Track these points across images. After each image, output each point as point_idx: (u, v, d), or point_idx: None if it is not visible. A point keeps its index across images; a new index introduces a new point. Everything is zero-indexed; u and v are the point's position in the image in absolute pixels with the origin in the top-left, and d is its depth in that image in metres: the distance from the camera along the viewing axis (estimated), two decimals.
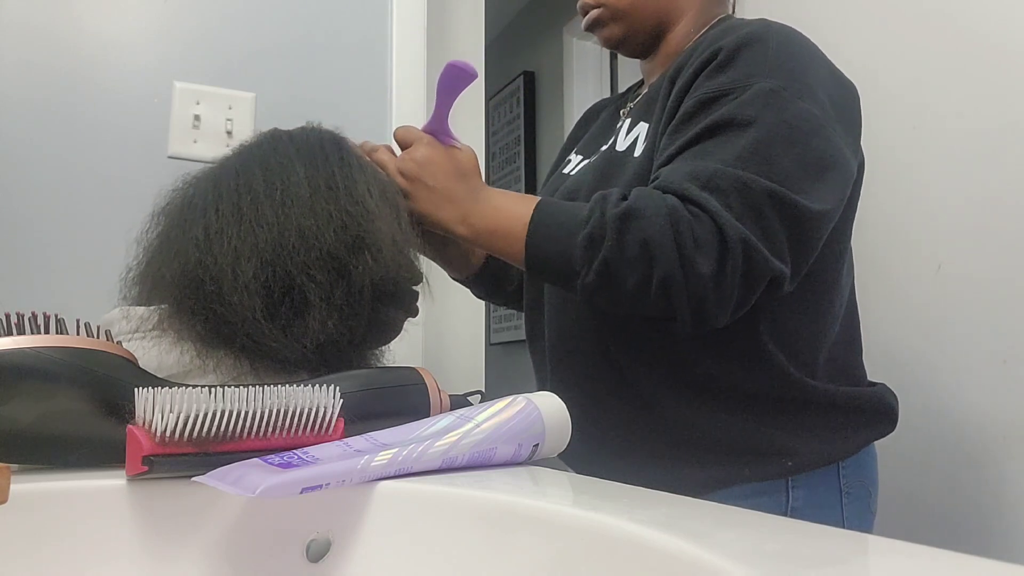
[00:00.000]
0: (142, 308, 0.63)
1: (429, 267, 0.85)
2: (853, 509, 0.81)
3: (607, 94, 2.86)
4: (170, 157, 1.21)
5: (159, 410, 0.41)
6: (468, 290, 1.10)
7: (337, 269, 0.63)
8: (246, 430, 0.44)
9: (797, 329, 0.81)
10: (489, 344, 2.82)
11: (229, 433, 0.44)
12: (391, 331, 0.71)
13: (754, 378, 0.79)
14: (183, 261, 0.61)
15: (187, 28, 1.25)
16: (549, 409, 0.53)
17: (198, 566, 0.41)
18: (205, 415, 0.43)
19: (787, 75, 0.75)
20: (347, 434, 0.48)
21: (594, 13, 0.92)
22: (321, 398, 0.47)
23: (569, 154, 1.03)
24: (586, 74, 2.91)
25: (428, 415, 0.58)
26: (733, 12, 0.98)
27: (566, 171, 0.98)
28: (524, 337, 1.02)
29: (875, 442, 0.86)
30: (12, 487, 0.34)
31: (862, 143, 0.84)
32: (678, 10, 0.91)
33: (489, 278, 1.04)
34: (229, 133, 1.23)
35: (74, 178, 1.15)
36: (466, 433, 0.48)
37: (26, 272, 1.11)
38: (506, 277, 1.05)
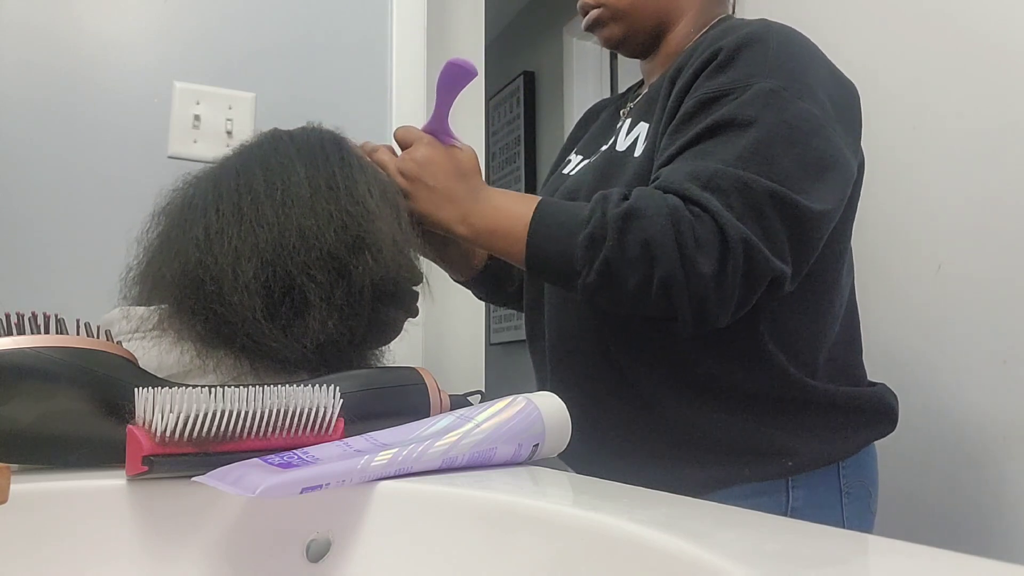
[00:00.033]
0: (142, 308, 0.63)
1: (429, 267, 0.85)
2: (853, 509, 0.81)
3: (607, 94, 2.86)
4: (170, 157, 1.21)
5: (159, 410, 0.41)
6: (469, 290, 1.10)
7: (337, 269, 0.63)
8: (246, 430, 0.44)
9: (797, 329, 0.81)
10: (489, 344, 2.82)
11: (229, 433, 0.44)
12: (391, 331, 0.71)
13: (754, 378, 0.79)
14: (183, 261, 0.61)
15: (187, 28, 1.25)
16: (549, 409, 0.53)
17: (198, 566, 0.41)
18: (205, 415, 0.43)
19: (787, 75, 0.75)
20: (347, 434, 0.48)
21: (594, 13, 0.92)
22: (321, 398, 0.47)
23: (569, 154, 1.03)
24: (586, 74, 2.91)
25: (428, 415, 0.58)
26: (733, 12, 0.98)
27: (566, 171, 0.98)
28: (524, 337, 1.02)
29: (875, 442, 0.86)
30: (12, 487, 0.34)
31: (862, 143, 0.84)
32: (678, 10, 0.91)
33: (490, 279, 1.04)
34: (229, 133, 1.23)
35: (74, 178, 1.15)
36: (466, 433, 0.48)
37: (26, 272, 1.11)
38: (507, 278, 1.05)
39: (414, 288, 0.72)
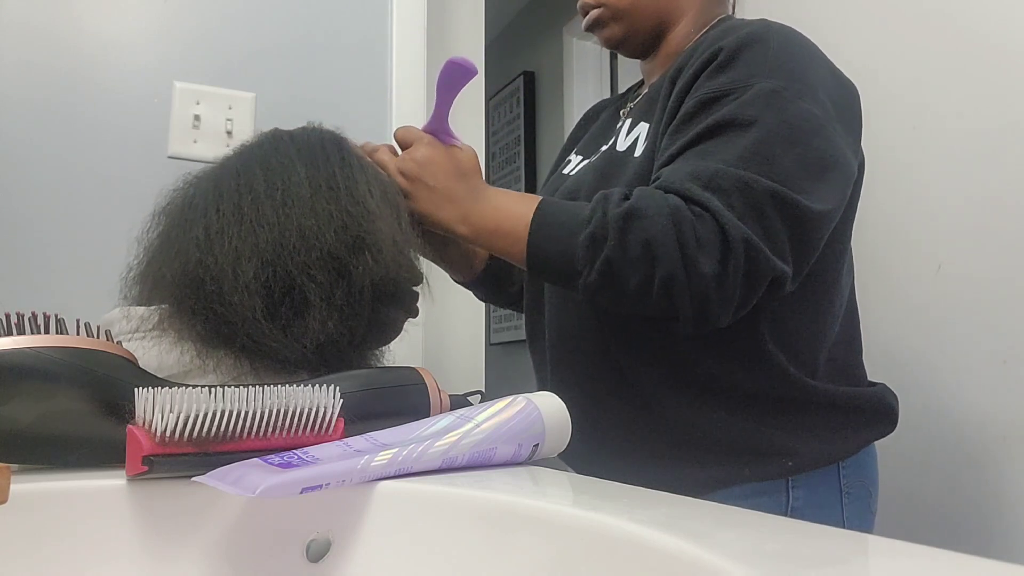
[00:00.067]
0: (142, 308, 0.63)
1: (430, 267, 0.85)
2: (853, 509, 0.81)
3: (607, 94, 2.86)
4: (170, 157, 1.21)
5: (159, 410, 0.41)
6: (469, 291, 1.10)
7: (337, 269, 0.63)
8: (246, 430, 0.44)
9: (797, 329, 0.81)
10: (489, 344, 2.82)
11: (229, 433, 0.44)
12: (391, 331, 0.71)
13: (754, 378, 0.79)
14: (184, 261, 0.61)
15: (187, 28, 1.25)
16: (549, 409, 0.53)
17: (198, 566, 0.41)
18: (205, 415, 0.43)
19: (788, 75, 0.75)
20: (347, 434, 0.48)
21: (594, 13, 0.92)
22: (321, 398, 0.47)
23: (569, 154, 1.03)
24: (586, 74, 2.91)
25: (428, 415, 0.58)
26: (733, 12, 0.98)
27: (566, 171, 0.98)
28: (524, 337, 1.02)
29: (875, 442, 0.86)
30: (12, 487, 0.34)
31: (862, 143, 0.84)
32: (678, 10, 0.91)
33: (491, 280, 1.04)
34: (229, 133, 1.23)
35: (74, 178, 1.15)
36: (466, 433, 0.48)
37: (26, 272, 1.11)
38: (508, 279, 1.05)
39: (414, 288, 0.72)
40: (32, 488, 0.40)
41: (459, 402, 0.65)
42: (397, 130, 0.81)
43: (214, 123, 1.23)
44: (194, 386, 0.45)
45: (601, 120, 1.05)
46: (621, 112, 0.99)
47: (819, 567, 0.27)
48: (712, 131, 0.73)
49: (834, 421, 0.81)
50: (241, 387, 0.45)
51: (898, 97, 1.25)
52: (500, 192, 0.79)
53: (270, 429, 0.45)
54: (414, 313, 0.74)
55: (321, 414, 0.47)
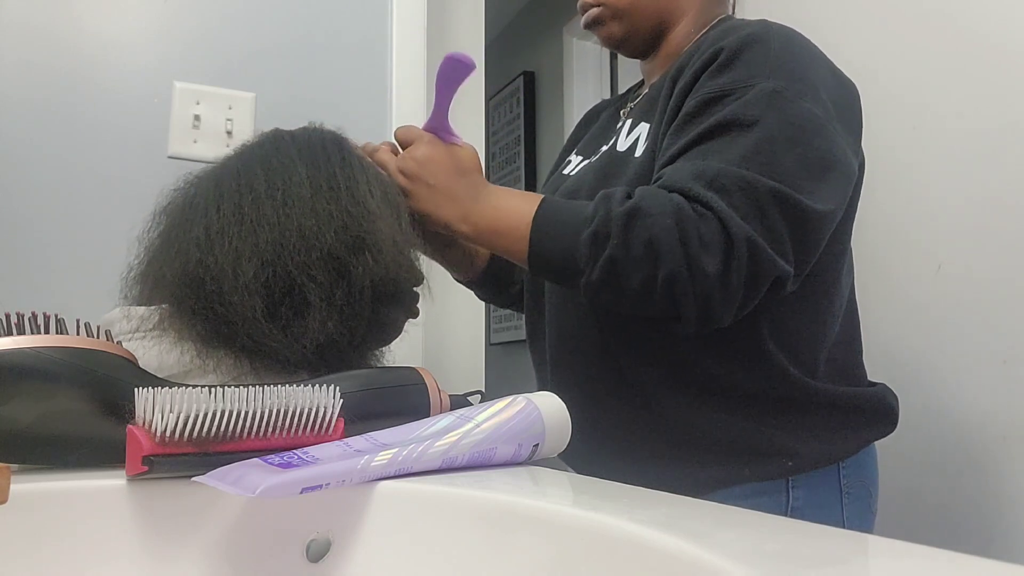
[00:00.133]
0: (143, 308, 0.63)
1: (429, 267, 0.85)
2: (853, 509, 0.81)
3: (607, 94, 2.86)
4: (170, 157, 1.21)
5: (159, 410, 0.41)
6: (469, 290, 1.10)
7: (337, 269, 0.63)
8: (246, 430, 0.44)
9: (798, 329, 0.81)
10: (489, 344, 2.82)
11: (229, 433, 0.44)
12: (391, 332, 0.71)
13: (754, 378, 0.79)
14: (184, 261, 0.61)
15: (187, 28, 1.25)
16: (549, 409, 0.53)
17: (198, 566, 0.41)
18: (205, 415, 0.43)
19: (789, 75, 0.75)
20: (347, 434, 0.48)
21: (594, 12, 0.92)
22: (321, 398, 0.47)
23: (569, 155, 1.03)
24: (586, 74, 2.91)
25: (428, 415, 0.58)
26: (733, 12, 0.98)
27: (566, 172, 0.98)
28: (524, 337, 1.02)
29: (875, 442, 0.86)
30: (12, 487, 0.34)
31: (862, 143, 0.84)
32: (679, 10, 0.91)
33: (491, 279, 1.04)
34: (229, 133, 1.23)
35: (74, 178, 1.15)
36: (466, 433, 0.48)
37: (26, 272, 1.11)
38: (509, 278, 1.05)
39: (414, 289, 0.72)
40: (32, 488, 0.40)
41: (459, 402, 0.65)
42: (397, 129, 0.81)
43: (214, 123, 1.23)
44: (194, 386, 0.45)
45: (601, 120, 1.05)
46: (621, 112, 0.99)
47: (819, 567, 0.27)
48: (714, 131, 0.73)
49: (834, 421, 0.81)
50: (241, 387, 0.45)
51: (898, 97, 1.25)
52: (501, 190, 0.79)
53: (270, 429, 0.45)
54: (414, 313, 0.74)
55: (321, 414, 0.47)
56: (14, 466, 0.40)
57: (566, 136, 1.14)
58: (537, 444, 0.52)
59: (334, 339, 0.63)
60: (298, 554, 0.43)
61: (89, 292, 0.87)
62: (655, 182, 0.74)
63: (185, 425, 0.42)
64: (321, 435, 0.47)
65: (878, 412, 0.84)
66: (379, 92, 1.37)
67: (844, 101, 0.80)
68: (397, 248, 0.67)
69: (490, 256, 1.02)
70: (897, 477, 1.10)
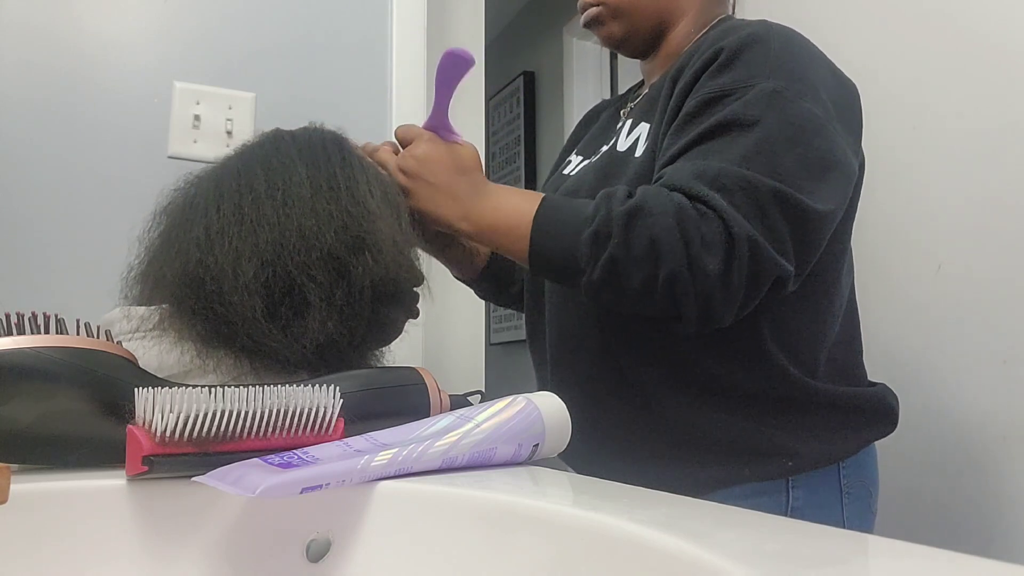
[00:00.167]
0: (143, 308, 0.63)
1: (429, 266, 0.85)
2: (854, 509, 0.81)
3: (607, 94, 2.86)
4: (170, 157, 1.21)
5: (159, 410, 0.41)
6: (469, 290, 1.10)
7: (337, 269, 0.63)
8: (246, 430, 0.44)
9: (798, 329, 0.81)
10: (489, 344, 2.82)
11: (229, 433, 0.44)
12: (391, 332, 0.71)
13: (754, 378, 0.79)
14: (184, 261, 0.61)
15: (187, 28, 1.25)
16: (549, 409, 0.53)
17: (198, 566, 0.41)
18: (205, 415, 0.43)
19: (789, 75, 0.75)
20: (347, 434, 0.48)
21: (593, 11, 0.92)
22: (321, 398, 0.47)
23: (569, 155, 1.03)
24: (586, 74, 2.91)
25: (428, 415, 0.58)
26: (733, 12, 0.98)
27: (566, 172, 0.98)
28: (524, 337, 1.02)
29: (875, 442, 0.86)
30: (12, 487, 0.34)
31: (862, 143, 0.84)
32: (679, 10, 0.91)
33: (492, 278, 1.04)
34: (229, 133, 1.23)
35: (74, 178, 1.15)
36: (466, 433, 0.48)
37: (26, 272, 1.11)
38: (509, 278, 1.05)
39: (415, 289, 0.72)
40: (32, 488, 0.40)
41: (459, 402, 0.65)
42: (398, 128, 0.81)
43: (214, 123, 1.23)
44: (194, 386, 0.45)
45: (601, 120, 1.05)
46: (621, 112, 0.99)
47: (819, 567, 0.27)
48: (714, 131, 0.73)
49: (834, 421, 0.81)
50: (241, 387, 0.45)
51: (898, 97, 1.25)
52: (502, 188, 0.79)
53: (270, 429, 0.45)
54: (415, 314, 0.73)
55: (321, 414, 0.47)
56: (14, 466, 0.40)
57: (566, 136, 1.14)
58: (537, 444, 0.52)
59: (334, 339, 0.63)
60: (298, 554, 0.43)
61: (89, 292, 0.87)
62: (656, 182, 0.74)
63: (185, 425, 0.42)
64: (321, 435, 0.47)
65: (878, 412, 0.84)
66: (379, 92, 1.37)
67: (844, 101, 0.80)
68: (397, 248, 0.67)
69: (490, 255, 1.02)
70: (897, 477, 1.10)
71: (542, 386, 0.94)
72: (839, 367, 0.85)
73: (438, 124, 0.79)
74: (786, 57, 0.76)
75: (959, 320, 1.15)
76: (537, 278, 0.95)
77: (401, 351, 0.79)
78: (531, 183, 3.13)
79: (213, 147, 1.20)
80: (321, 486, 0.41)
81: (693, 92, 0.78)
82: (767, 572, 0.26)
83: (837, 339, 0.85)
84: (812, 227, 0.72)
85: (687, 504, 0.38)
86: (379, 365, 0.70)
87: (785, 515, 0.67)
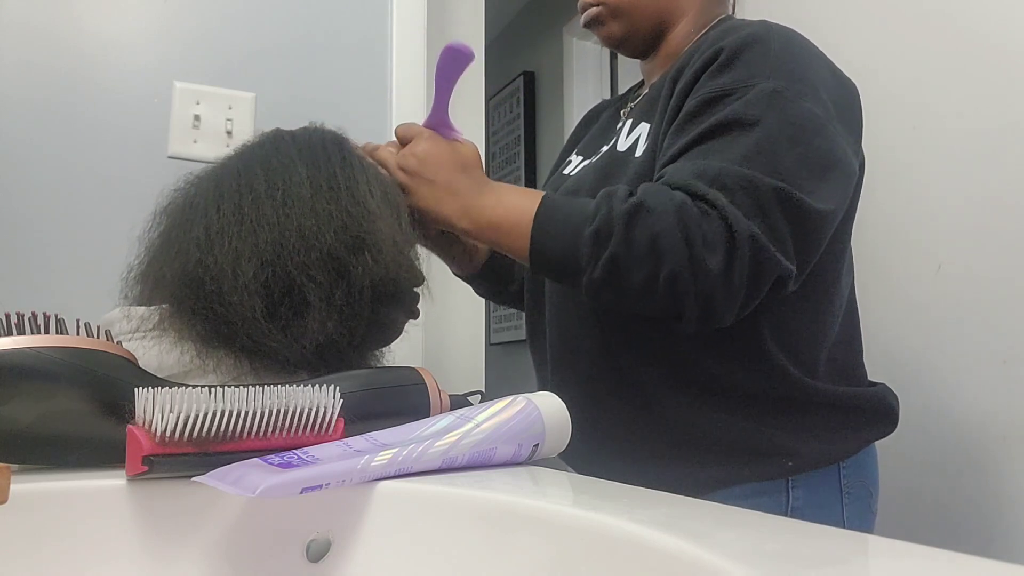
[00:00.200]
0: (143, 308, 0.63)
1: (429, 267, 0.85)
2: (854, 509, 0.81)
3: (607, 94, 2.86)
4: (170, 157, 1.21)
5: (159, 410, 0.41)
6: (469, 290, 1.10)
7: (337, 269, 0.63)
8: (246, 430, 0.44)
9: (798, 329, 0.81)
10: (489, 344, 2.82)
11: (229, 433, 0.44)
12: (391, 332, 0.71)
13: (754, 378, 0.79)
14: (184, 261, 0.61)
15: (187, 28, 1.25)
16: (549, 409, 0.53)
17: (198, 566, 0.41)
18: (205, 415, 0.43)
19: (789, 75, 0.75)
20: (347, 434, 0.48)
21: (593, 11, 0.92)
22: (321, 398, 0.47)
23: (569, 155, 1.03)
24: (586, 74, 2.91)
25: (428, 415, 0.58)
26: (733, 12, 0.98)
27: (567, 172, 0.98)
28: (524, 337, 1.02)
29: (875, 442, 0.86)
30: (12, 487, 0.34)
31: (862, 143, 0.84)
32: (679, 10, 0.91)
33: (491, 277, 1.04)
34: (229, 133, 1.23)
35: (74, 178, 1.15)
36: (466, 433, 0.48)
37: (26, 272, 1.11)
38: (509, 276, 1.05)
39: (415, 289, 0.72)
40: (32, 488, 0.40)
41: (459, 402, 0.64)
42: (398, 126, 0.81)
43: (214, 123, 1.23)
44: (194, 386, 0.45)
45: (601, 121, 1.05)
46: (622, 112, 0.99)
47: (819, 567, 0.27)
48: (715, 130, 0.73)
49: (834, 421, 0.81)
50: (241, 387, 0.45)
51: (898, 97, 1.25)
52: (503, 187, 0.78)
53: (270, 429, 0.45)
54: (415, 314, 0.73)
55: (321, 414, 0.47)
56: (14, 466, 0.40)
57: (566, 136, 1.14)
58: (537, 444, 0.52)
59: (334, 339, 0.63)
60: (298, 554, 0.43)
61: (89, 292, 0.87)
62: (657, 180, 0.74)
63: (185, 425, 0.42)
64: (321, 435, 0.47)
65: (878, 412, 0.84)
66: (379, 92, 1.37)
67: (844, 101, 0.80)
68: (397, 248, 0.67)
69: (489, 253, 1.02)
70: (897, 477, 1.10)
71: (542, 386, 0.94)
72: (839, 367, 0.85)
73: (438, 122, 0.79)
74: (786, 57, 0.76)
75: (959, 320, 1.15)
76: (538, 277, 0.95)
77: (401, 351, 0.79)
78: (531, 183, 3.13)
79: (213, 147, 1.20)
80: (321, 486, 0.41)
81: (693, 92, 0.78)
82: (767, 572, 0.26)
83: (837, 339, 0.85)
84: (813, 226, 0.72)
85: (687, 504, 0.38)
86: (379, 365, 0.70)
87: (785, 515, 0.67)
